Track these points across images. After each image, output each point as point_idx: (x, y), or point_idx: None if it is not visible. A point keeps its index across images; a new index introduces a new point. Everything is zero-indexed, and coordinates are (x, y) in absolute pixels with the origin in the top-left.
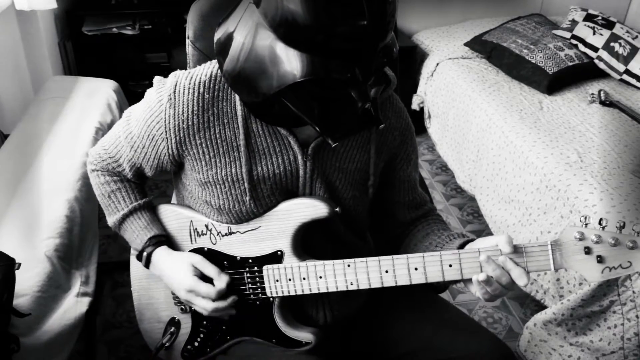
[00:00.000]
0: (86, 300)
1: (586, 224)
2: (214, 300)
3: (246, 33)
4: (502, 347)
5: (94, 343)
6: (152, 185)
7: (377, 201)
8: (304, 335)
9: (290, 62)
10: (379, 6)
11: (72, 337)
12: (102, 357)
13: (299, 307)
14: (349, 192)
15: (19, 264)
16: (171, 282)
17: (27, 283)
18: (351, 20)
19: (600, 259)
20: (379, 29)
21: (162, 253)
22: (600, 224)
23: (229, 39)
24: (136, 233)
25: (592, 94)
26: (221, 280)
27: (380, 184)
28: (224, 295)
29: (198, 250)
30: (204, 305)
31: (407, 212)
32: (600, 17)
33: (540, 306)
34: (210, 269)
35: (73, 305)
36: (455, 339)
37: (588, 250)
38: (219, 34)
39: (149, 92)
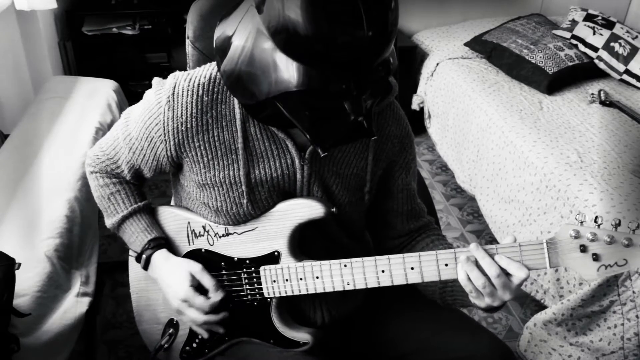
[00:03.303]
0: (86, 300)
1: (581, 222)
2: (206, 312)
3: (246, 36)
4: (502, 347)
5: (94, 343)
6: (151, 185)
7: (375, 210)
8: (302, 335)
9: (287, 70)
10: (380, 20)
11: (72, 337)
12: (102, 357)
13: (296, 307)
14: (346, 197)
15: (19, 264)
16: (166, 289)
17: (27, 283)
18: (350, 34)
19: (595, 257)
20: (379, 40)
21: (161, 257)
22: (595, 221)
23: (228, 39)
24: (135, 235)
25: (592, 94)
26: (216, 295)
27: (379, 192)
28: (215, 309)
29: (195, 252)
30: (195, 317)
31: (406, 222)
32: (600, 17)
33: (540, 306)
34: (207, 281)
35: (73, 305)
36: (455, 339)
37: (584, 249)
38: (218, 33)
39: (147, 94)
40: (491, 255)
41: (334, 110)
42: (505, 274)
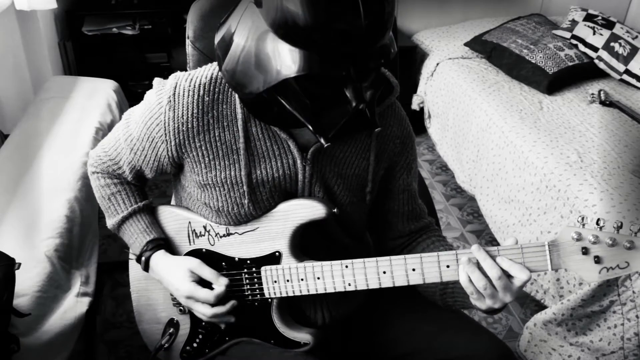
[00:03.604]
0: (86, 300)
1: (583, 224)
2: (213, 305)
3: (247, 33)
4: (502, 347)
5: (94, 343)
6: (152, 185)
7: (376, 211)
8: (302, 336)
9: (287, 58)
10: (376, 5)
11: (72, 337)
12: (102, 357)
13: (297, 307)
14: (347, 197)
15: (19, 264)
16: (171, 288)
17: (27, 283)
18: (348, 19)
19: (597, 260)
20: (376, 28)
21: (160, 257)
22: (597, 224)
23: (229, 39)
24: (135, 236)
25: (592, 94)
26: (220, 284)
27: (380, 192)
28: (223, 299)
29: (196, 252)
30: (203, 311)
31: (407, 222)
32: (600, 17)
33: (540, 306)
34: (208, 273)
35: (73, 305)
36: (455, 339)
37: (585, 251)
38: (219, 34)
39: (148, 94)
40: (493, 257)
41: (335, 98)
42: (507, 275)
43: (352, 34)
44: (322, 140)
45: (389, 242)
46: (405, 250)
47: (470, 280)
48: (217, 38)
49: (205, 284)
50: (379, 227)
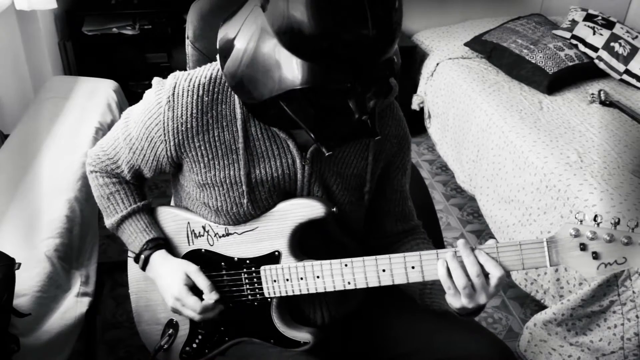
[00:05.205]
0: (86, 300)
1: (581, 221)
2: (199, 313)
3: (250, 36)
4: (502, 347)
5: (94, 343)
6: (151, 185)
7: (368, 210)
8: (302, 335)
9: (292, 68)
10: (384, 20)
11: (72, 337)
12: (102, 357)
13: (296, 307)
14: (346, 197)
15: (19, 264)
16: (162, 287)
17: (27, 283)
18: (355, 29)
19: (595, 255)
20: (384, 39)
21: (159, 257)
22: (595, 220)
23: (232, 40)
24: (134, 235)
25: (592, 94)
26: (210, 297)
27: (374, 192)
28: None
29: (195, 252)
30: (191, 316)
31: (395, 223)
32: (600, 17)
33: (540, 306)
34: (202, 282)
35: (73, 305)
36: (455, 339)
37: (583, 247)
38: (222, 34)
39: (147, 94)
40: (475, 254)
41: (339, 109)
42: (484, 274)
43: (359, 44)
44: (324, 149)
45: (372, 240)
46: (389, 249)
47: (450, 276)
48: (220, 38)
49: (196, 291)
50: (367, 225)
